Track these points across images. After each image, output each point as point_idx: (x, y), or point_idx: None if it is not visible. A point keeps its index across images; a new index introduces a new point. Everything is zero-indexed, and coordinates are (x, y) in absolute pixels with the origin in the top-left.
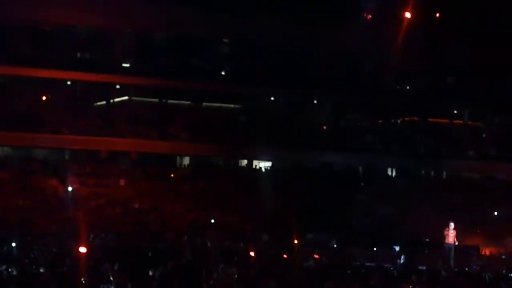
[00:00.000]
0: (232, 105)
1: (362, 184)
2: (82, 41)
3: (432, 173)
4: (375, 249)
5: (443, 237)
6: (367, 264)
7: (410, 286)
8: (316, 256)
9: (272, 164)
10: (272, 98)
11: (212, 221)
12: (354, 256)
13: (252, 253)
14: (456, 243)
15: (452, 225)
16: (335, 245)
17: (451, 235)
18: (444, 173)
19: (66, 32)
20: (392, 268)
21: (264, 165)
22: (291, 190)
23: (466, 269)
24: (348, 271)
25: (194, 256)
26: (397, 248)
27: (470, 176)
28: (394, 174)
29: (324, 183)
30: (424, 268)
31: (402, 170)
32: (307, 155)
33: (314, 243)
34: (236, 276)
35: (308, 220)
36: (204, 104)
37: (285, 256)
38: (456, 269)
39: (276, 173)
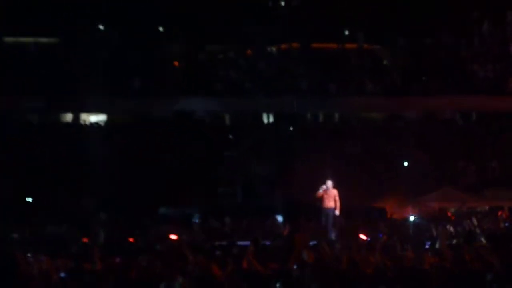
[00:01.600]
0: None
1: (231, 137)
2: None
3: (321, 116)
4: (250, 222)
5: (318, 200)
6: (241, 243)
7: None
8: (174, 237)
9: (108, 118)
10: (101, 27)
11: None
12: (224, 233)
13: (85, 240)
14: (337, 209)
15: (329, 183)
16: (197, 220)
17: (330, 197)
18: (336, 114)
19: None
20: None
21: (96, 119)
22: (133, 152)
23: (368, 238)
24: (217, 253)
25: None
26: (280, 219)
27: (369, 117)
28: (271, 120)
29: (175, 139)
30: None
31: (281, 115)
32: (154, 103)
33: (170, 220)
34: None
35: (163, 191)
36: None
37: (131, 239)
38: (339, 243)
39: (112, 129)
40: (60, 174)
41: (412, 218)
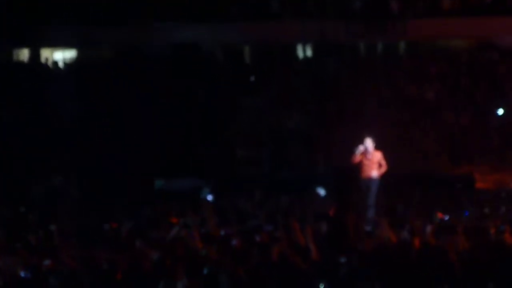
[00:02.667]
0: None
1: (252, 78)
2: None
3: (379, 46)
4: (280, 198)
5: (356, 166)
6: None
7: None
8: (175, 220)
9: (78, 54)
10: None
11: None
12: (245, 214)
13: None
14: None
15: (369, 143)
16: (207, 197)
17: (372, 163)
18: (401, 44)
19: None
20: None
21: (62, 56)
22: (114, 101)
23: (445, 217)
24: (234, 242)
25: None
26: (323, 193)
27: (447, 46)
28: (308, 54)
29: (174, 82)
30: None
31: (323, 47)
32: (144, 32)
33: (170, 197)
34: None
35: (159, 157)
36: None
37: (114, 225)
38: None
39: (85, 69)
40: (12, 134)
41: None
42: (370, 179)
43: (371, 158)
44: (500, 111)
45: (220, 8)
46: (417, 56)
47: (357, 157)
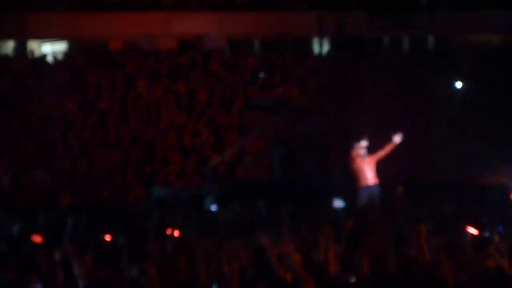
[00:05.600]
0: None
1: (261, 75)
2: None
3: (405, 40)
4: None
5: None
6: None
7: None
8: (176, 233)
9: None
10: None
11: None
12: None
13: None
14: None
15: (363, 143)
16: (212, 207)
17: (367, 167)
18: (429, 38)
19: None
20: None
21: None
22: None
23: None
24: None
25: None
26: (341, 204)
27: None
28: (324, 49)
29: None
30: None
31: (340, 38)
32: None
33: (169, 207)
34: None
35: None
36: None
37: (107, 237)
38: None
39: (75, 62)
40: None
41: None
42: (371, 186)
43: (371, 161)
44: None
45: None
46: (447, 51)
47: (356, 160)
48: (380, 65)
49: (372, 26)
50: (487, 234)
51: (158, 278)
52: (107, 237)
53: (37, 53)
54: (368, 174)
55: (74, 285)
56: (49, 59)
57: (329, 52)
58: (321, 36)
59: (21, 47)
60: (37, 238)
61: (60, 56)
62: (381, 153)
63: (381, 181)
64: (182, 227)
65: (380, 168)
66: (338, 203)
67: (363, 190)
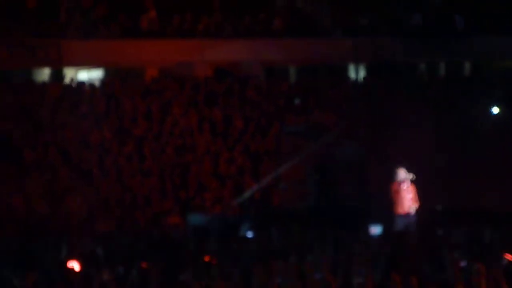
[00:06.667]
0: None
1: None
2: None
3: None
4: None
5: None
6: None
7: None
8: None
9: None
10: None
11: None
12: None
13: None
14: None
15: (403, 174)
16: (249, 234)
17: (406, 194)
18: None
19: None
20: None
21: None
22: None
23: None
24: None
25: None
26: (378, 231)
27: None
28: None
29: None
30: None
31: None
32: None
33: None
34: None
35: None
36: None
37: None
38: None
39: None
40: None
41: None
42: (409, 214)
43: (405, 189)
44: None
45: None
46: (482, 77)
47: (398, 191)
48: (415, 91)
49: (408, 52)
50: None
51: None
52: (144, 265)
53: (73, 80)
54: (407, 202)
55: None
56: (86, 86)
57: (364, 78)
58: (356, 61)
59: (57, 74)
60: (74, 265)
61: (96, 83)
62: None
63: (419, 207)
64: (219, 254)
65: (419, 194)
66: (375, 229)
67: (400, 218)
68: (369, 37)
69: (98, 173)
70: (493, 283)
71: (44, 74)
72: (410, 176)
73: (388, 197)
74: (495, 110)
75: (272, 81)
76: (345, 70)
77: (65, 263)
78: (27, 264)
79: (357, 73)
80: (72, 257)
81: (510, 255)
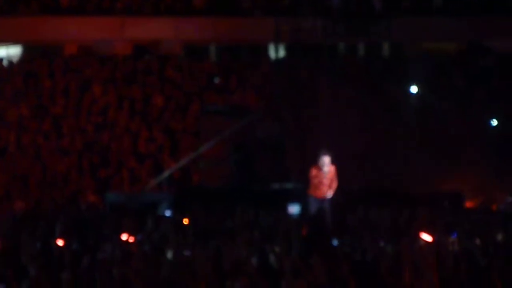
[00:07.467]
0: None
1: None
2: None
3: (360, 48)
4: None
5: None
6: None
7: None
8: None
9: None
10: None
11: None
12: None
13: None
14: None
15: (326, 159)
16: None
17: (327, 179)
18: (384, 45)
19: None
20: None
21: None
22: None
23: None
24: None
25: None
26: (296, 209)
27: (435, 48)
28: (280, 54)
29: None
30: None
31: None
32: None
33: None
34: None
35: None
36: None
37: None
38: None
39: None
40: None
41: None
42: (324, 198)
43: (327, 174)
44: (493, 123)
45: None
46: (402, 58)
47: (312, 172)
48: (335, 72)
49: (328, 33)
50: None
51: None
52: (60, 242)
53: None
54: (323, 188)
55: None
56: (4, 63)
57: (285, 58)
58: (277, 42)
59: None
60: None
61: (14, 60)
62: (335, 179)
63: (337, 188)
64: (137, 233)
65: (338, 174)
66: (294, 209)
67: (314, 200)
68: (290, 17)
69: (15, 151)
70: (410, 264)
71: None
72: (330, 156)
73: (307, 177)
74: (414, 90)
75: (193, 60)
76: (266, 50)
77: None
78: None
79: (278, 53)
80: None
81: (426, 235)
